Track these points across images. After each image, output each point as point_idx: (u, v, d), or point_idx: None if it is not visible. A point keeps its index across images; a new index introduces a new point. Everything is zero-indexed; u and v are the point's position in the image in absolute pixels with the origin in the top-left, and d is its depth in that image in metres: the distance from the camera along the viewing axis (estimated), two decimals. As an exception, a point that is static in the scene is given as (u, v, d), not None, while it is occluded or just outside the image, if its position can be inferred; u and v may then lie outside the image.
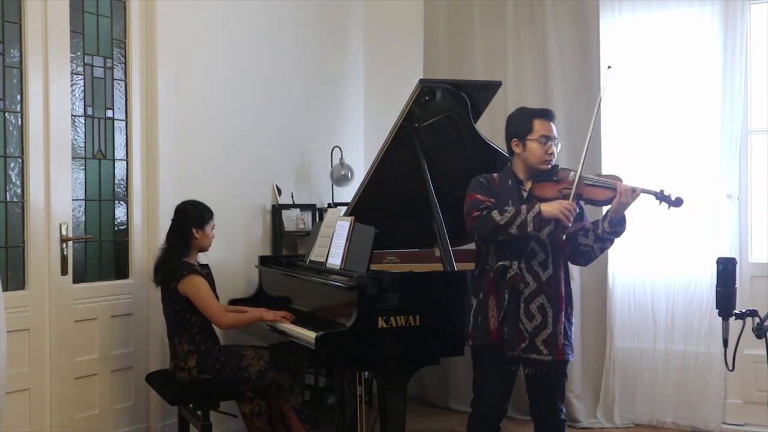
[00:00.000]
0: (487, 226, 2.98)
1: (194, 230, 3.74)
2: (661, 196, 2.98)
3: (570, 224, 2.95)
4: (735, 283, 2.47)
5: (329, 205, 4.96)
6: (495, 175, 3.20)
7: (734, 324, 2.45)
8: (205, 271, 3.77)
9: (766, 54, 4.43)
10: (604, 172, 4.55)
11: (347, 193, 4.80)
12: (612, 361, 4.63)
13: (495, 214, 2.97)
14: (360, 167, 5.13)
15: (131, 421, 4.02)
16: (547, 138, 3.08)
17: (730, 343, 2.47)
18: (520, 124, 3.14)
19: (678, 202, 2.97)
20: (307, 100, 5.05)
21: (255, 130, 4.64)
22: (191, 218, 3.76)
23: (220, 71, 4.42)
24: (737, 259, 2.67)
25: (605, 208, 3.19)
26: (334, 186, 5.01)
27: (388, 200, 3.94)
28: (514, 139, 3.14)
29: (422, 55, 5.22)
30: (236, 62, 4.52)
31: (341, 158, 4.96)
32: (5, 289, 3.31)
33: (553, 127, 3.12)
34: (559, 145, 3.17)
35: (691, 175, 4.51)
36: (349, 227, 3.68)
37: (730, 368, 2.52)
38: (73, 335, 3.75)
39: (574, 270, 4.69)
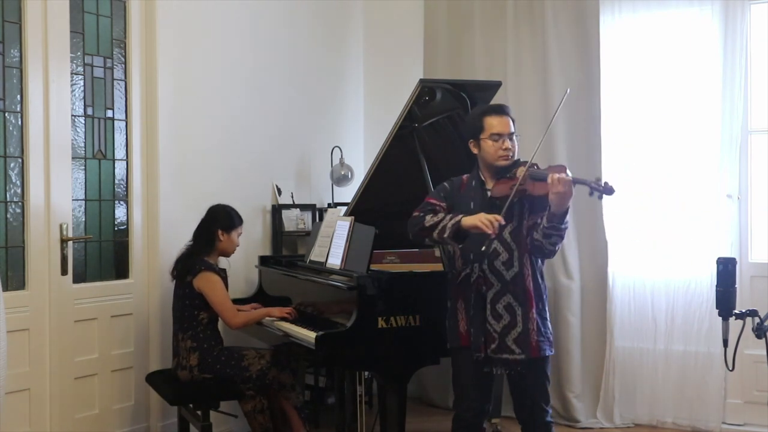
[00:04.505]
0: (417, 226, 3.09)
1: (219, 232, 3.79)
2: (594, 187, 2.75)
3: (492, 233, 2.85)
4: (735, 283, 2.46)
5: (329, 205, 4.96)
6: (465, 176, 3.18)
7: (734, 324, 2.44)
8: (222, 274, 3.79)
9: (766, 54, 4.42)
10: (604, 171, 4.60)
11: (347, 193, 4.80)
12: (612, 361, 4.63)
13: (428, 217, 3.06)
14: (360, 167, 5.13)
15: (131, 421, 4.02)
16: (500, 135, 3.03)
17: (730, 343, 2.47)
18: (472, 124, 3.12)
19: (609, 190, 2.72)
20: (307, 100, 5.05)
21: (255, 130, 4.64)
22: (219, 220, 3.82)
23: (220, 71, 4.42)
24: (737, 259, 2.66)
25: None
26: (334, 186, 5.01)
27: (388, 200, 3.94)
28: (471, 141, 3.11)
29: (422, 55, 5.22)
30: (236, 62, 4.52)
31: (341, 158, 4.96)
32: (5, 289, 3.31)
33: (509, 121, 3.06)
34: (516, 139, 3.07)
35: (691, 175, 4.51)
36: (349, 227, 3.68)
37: (730, 368, 2.52)
38: (73, 335, 3.75)
39: (574, 270, 4.71)
